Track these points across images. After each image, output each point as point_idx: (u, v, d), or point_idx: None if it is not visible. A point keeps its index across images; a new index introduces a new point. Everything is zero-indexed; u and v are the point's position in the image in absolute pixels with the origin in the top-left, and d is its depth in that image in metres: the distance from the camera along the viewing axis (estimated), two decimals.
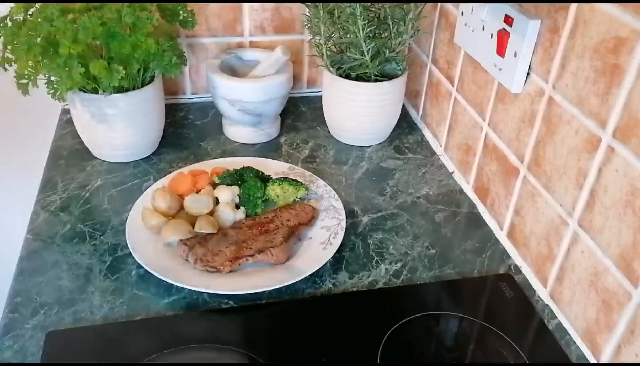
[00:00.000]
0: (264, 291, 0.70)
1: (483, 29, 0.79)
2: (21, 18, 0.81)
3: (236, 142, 1.01)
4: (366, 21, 0.90)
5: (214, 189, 0.82)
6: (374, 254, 0.78)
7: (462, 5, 0.85)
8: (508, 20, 0.73)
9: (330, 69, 0.96)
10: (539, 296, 0.73)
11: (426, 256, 0.79)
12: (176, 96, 1.12)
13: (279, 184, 0.82)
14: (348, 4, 0.89)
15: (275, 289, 0.70)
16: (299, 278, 0.71)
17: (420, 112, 1.09)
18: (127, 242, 0.73)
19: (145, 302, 0.69)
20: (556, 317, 0.70)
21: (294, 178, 0.84)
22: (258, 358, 0.62)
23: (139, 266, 0.71)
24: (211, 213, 0.78)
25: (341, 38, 0.95)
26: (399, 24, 0.93)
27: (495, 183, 0.83)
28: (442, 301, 0.72)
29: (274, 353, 0.63)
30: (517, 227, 0.78)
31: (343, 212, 0.82)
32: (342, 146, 1.02)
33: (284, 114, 1.06)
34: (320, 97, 1.04)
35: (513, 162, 0.78)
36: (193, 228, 0.76)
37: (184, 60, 0.92)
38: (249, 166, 0.85)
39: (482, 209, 0.87)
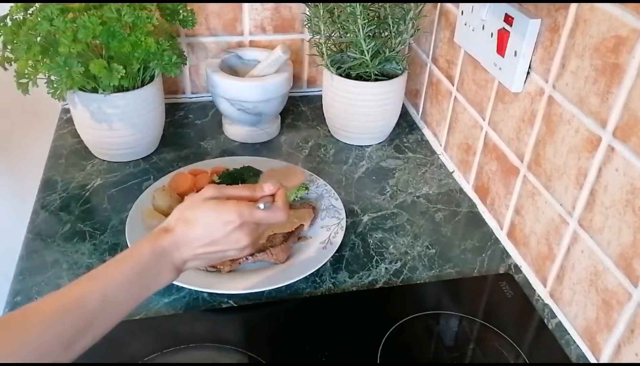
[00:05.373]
0: (264, 291, 0.70)
1: (483, 29, 0.79)
2: (21, 17, 0.81)
3: (236, 141, 1.01)
4: (366, 20, 0.90)
5: None
6: (374, 254, 0.78)
7: (462, 5, 0.85)
8: (508, 19, 0.73)
9: (330, 68, 0.96)
10: (538, 296, 0.73)
11: (426, 255, 0.79)
12: (176, 95, 1.12)
13: None
14: (348, 4, 0.89)
15: (275, 289, 0.70)
16: (299, 278, 0.71)
17: (420, 112, 1.09)
18: (127, 242, 0.73)
19: (145, 302, 0.69)
20: (556, 316, 0.70)
21: None
22: (258, 358, 0.62)
23: None
24: None
25: (341, 37, 0.95)
26: (399, 23, 0.93)
27: (495, 182, 0.83)
28: (442, 301, 0.72)
29: (274, 353, 0.63)
30: (517, 226, 0.78)
31: (343, 211, 0.82)
32: (342, 145, 1.02)
33: (283, 114, 1.06)
34: (320, 96, 1.04)
35: (513, 161, 0.78)
36: None
37: (184, 59, 0.91)
38: (249, 165, 0.85)
39: (482, 208, 0.87)
